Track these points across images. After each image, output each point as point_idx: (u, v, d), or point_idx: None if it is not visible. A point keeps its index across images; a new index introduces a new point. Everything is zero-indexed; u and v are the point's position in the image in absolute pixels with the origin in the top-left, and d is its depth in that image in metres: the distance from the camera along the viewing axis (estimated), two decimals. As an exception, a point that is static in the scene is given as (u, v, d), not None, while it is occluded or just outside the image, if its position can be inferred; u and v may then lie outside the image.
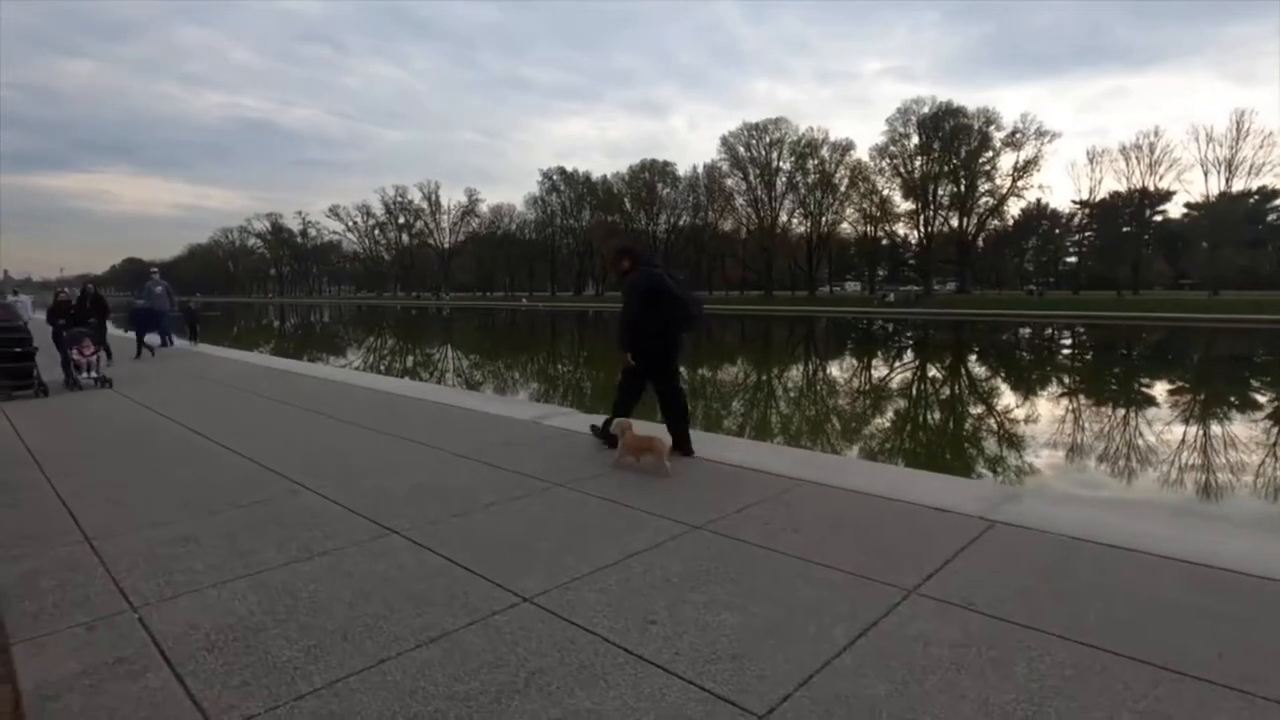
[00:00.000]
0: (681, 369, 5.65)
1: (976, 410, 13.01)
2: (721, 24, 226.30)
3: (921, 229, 69.52)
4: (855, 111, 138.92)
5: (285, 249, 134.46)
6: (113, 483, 4.59)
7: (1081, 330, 35.75)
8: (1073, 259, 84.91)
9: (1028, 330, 36.85)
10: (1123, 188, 65.80)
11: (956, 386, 16.73)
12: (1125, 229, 72.48)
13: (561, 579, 2.98)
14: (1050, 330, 36.26)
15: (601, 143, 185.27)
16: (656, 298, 5.06)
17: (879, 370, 20.52)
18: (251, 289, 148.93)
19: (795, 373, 19.88)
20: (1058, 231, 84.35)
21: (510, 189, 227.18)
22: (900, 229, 73.97)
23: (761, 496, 4.11)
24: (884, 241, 77.50)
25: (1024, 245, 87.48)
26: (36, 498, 4.30)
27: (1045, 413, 12.40)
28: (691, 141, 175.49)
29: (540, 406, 8.08)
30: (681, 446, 5.12)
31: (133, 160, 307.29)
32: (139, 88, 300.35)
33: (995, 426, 11.31)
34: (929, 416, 12.52)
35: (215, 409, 7.60)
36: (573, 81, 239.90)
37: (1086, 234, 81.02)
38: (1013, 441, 10.07)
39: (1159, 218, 72.70)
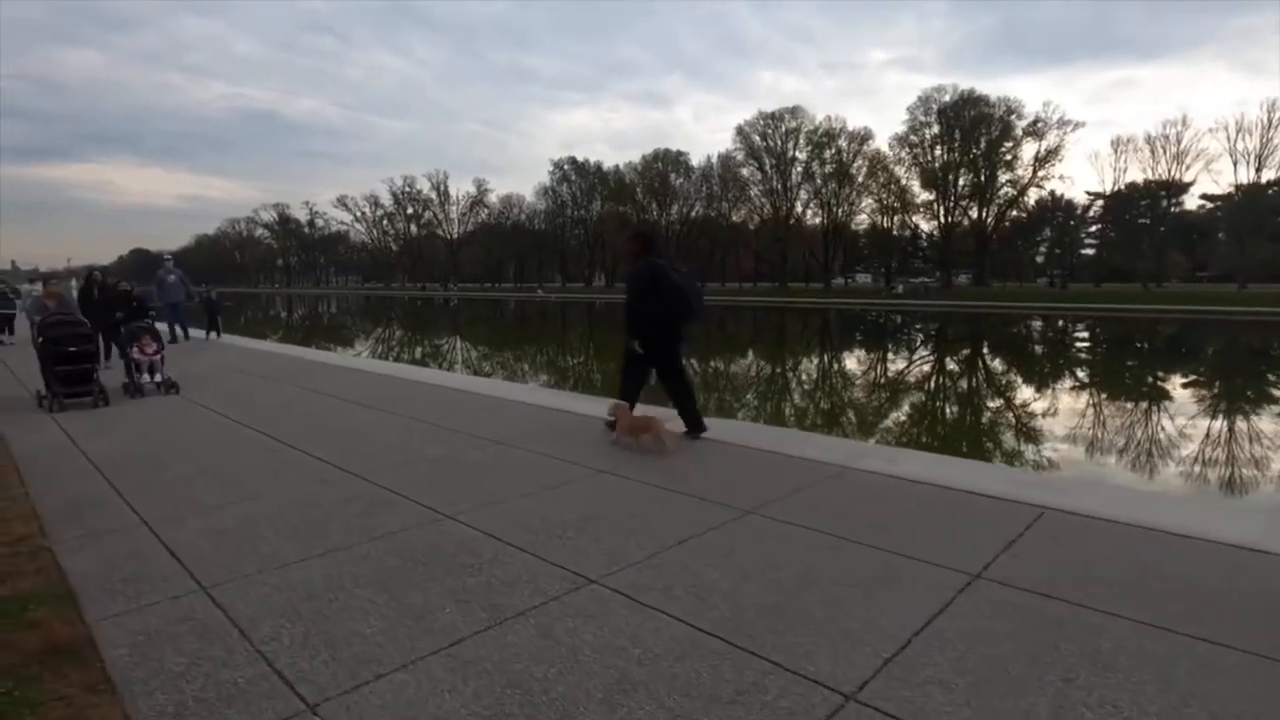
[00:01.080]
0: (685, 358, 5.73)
1: (1138, 414, 11.67)
2: (726, 14, 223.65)
3: (942, 219, 68.44)
4: (862, 103, 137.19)
5: (292, 239, 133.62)
6: (207, 507, 3.83)
7: (1097, 324, 34.76)
8: (1088, 251, 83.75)
9: (1038, 323, 35.72)
10: (1148, 177, 64.37)
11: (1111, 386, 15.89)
12: (1141, 220, 71.48)
13: (869, 660, 2.22)
14: (1063, 322, 35.19)
15: (606, 134, 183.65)
16: (656, 286, 5.15)
17: (965, 366, 19.70)
18: (258, 279, 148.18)
19: (860, 366, 19.07)
20: (1072, 223, 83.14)
21: (514, 180, 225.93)
22: (919, 220, 72.87)
23: (1014, 531, 3.34)
24: (900, 233, 76.48)
25: (1038, 238, 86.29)
26: (121, 527, 3.55)
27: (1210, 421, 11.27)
28: (697, 133, 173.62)
29: (657, 410, 7.22)
30: (694, 428, 5.39)
31: (136, 151, 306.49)
32: (141, 78, 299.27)
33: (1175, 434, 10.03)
34: (1101, 423, 11.15)
35: (291, 413, 6.74)
36: (576, 72, 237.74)
37: (1104, 225, 79.76)
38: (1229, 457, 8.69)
39: (1175, 209, 71.46)
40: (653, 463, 4.69)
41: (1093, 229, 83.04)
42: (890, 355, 22.42)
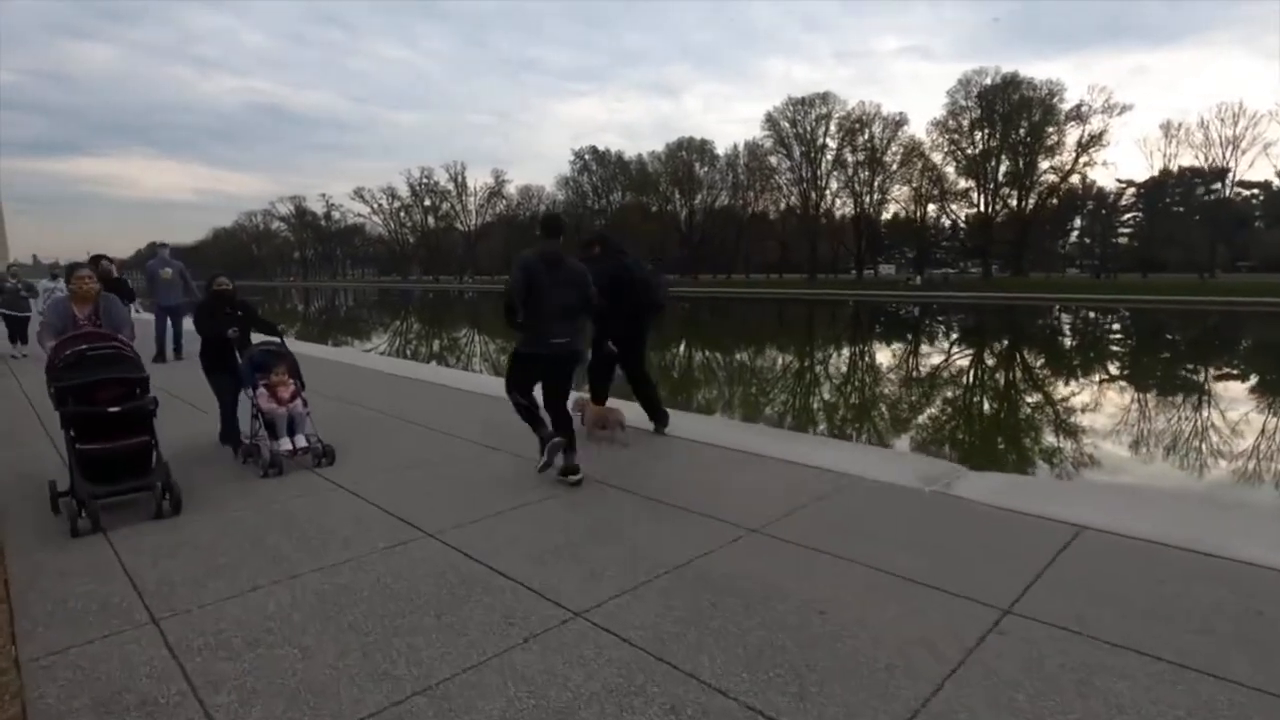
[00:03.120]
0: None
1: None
2: (736, 1, 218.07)
3: (982, 208, 65.85)
4: (873, 91, 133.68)
5: (309, 232, 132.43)
6: None
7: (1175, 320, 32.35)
8: (1121, 239, 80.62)
9: (1090, 315, 33.33)
10: (1201, 163, 61.53)
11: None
12: (1176, 209, 68.56)
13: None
14: (1112, 317, 32.78)
15: (615, 125, 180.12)
16: (619, 283, 5.26)
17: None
18: (275, 272, 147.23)
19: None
20: (1104, 212, 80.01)
21: (522, 171, 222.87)
22: (957, 208, 70.08)
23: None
24: (933, 222, 73.84)
25: (1068, 226, 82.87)
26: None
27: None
28: (706, 124, 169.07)
29: (918, 459, 5.43)
30: (659, 423, 5.56)
31: (149, 144, 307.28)
32: (153, 72, 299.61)
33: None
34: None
35: (463, 487, 4.21)
36: (584, 61, 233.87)
37: (1141, 214, 76.61)
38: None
39: (1213, 196, 68.13)
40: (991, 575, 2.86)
41: (1125, 217, 79.97)
42: (874, 351, 20.53)
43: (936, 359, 18.46)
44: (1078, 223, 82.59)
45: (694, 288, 66.98)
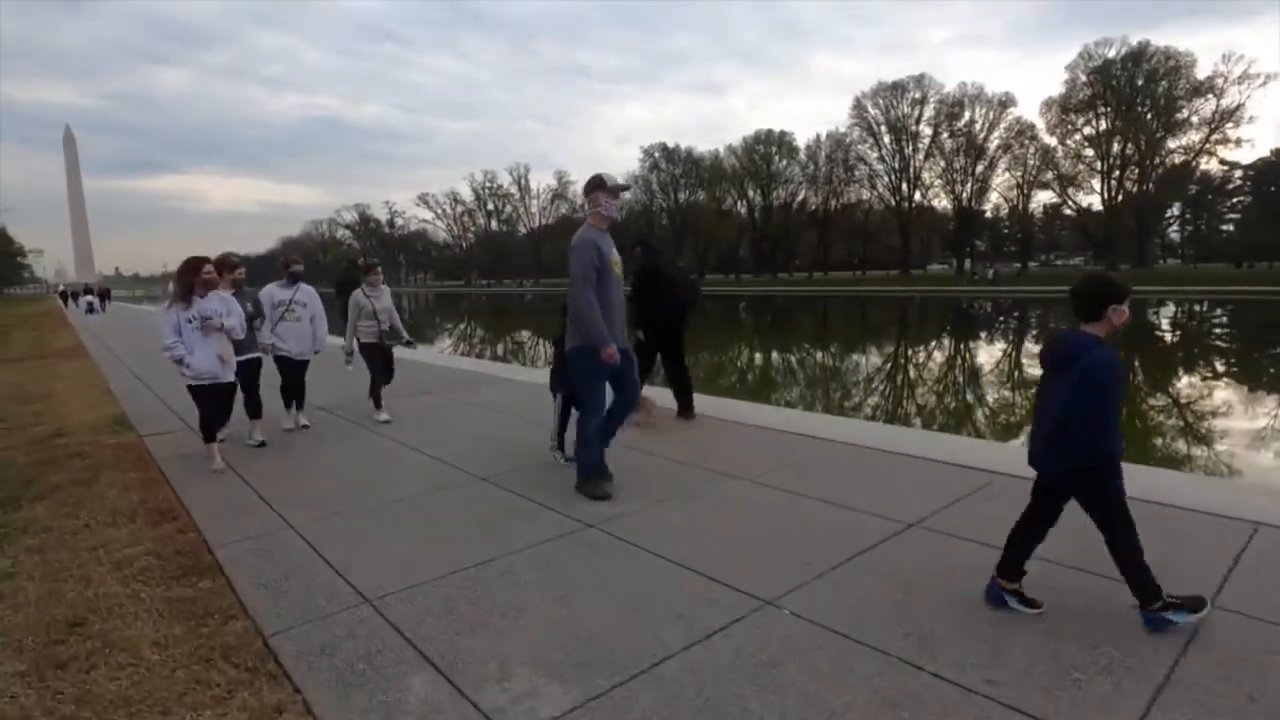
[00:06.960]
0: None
1: None
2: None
3: (1105, 194, 59.96)
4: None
5: (373, 239, 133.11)
6: None
7: None
8: (1228, 226, 72.96)
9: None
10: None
11: None
12: None
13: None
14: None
15: (662, 126, 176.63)
16: (655, 281, 5.72)
17: None
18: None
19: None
20: (1210, 196, 72.33)
21: (574, 174, 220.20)
22: (1072, 194, 64.15)
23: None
24: (1062, 208, 67.76)
25: (1166, 214, 74.96)
26: None
27: None
28: (753, 121, 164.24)
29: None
30: (685, 413, 5.97)
31: (221, 160, 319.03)
32: (224, 92, 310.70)
33: None
34: None
35: None
36: (630, 64, 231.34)
37: (1239, 199, 69.06)
38: None
39: None
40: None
41: (1231, 202, 72.22)
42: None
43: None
44: (1175, 210, 74.89)
45: (731, 287, 62.99)
